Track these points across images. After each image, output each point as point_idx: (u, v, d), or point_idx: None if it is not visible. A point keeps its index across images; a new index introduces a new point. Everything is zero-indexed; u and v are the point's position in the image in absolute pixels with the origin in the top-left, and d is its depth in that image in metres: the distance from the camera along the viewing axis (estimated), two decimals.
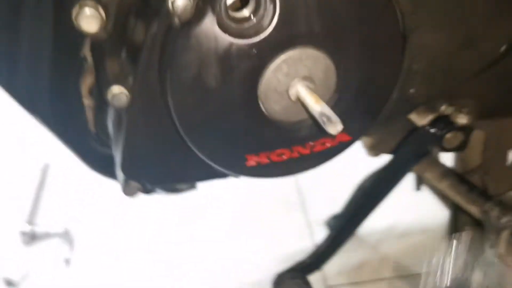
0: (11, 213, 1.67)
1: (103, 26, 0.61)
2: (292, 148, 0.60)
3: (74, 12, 0.60)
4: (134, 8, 0.63)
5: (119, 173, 0.65)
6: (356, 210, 0.75)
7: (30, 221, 1.61)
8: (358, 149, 0.63)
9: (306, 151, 0.60)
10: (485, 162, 0.82)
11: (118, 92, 0.57)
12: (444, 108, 0.71)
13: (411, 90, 0.62)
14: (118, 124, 0.63)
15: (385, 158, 0.94)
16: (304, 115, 0.58)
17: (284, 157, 0.60)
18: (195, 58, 0.52)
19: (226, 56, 0.52)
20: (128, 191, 0.65)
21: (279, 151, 0.60)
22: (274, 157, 0.60)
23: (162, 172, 0.64)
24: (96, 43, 0.67)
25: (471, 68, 0.64)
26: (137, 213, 1.64)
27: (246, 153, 0.59)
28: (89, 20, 0.60)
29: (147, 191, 0.69)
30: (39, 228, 1.59)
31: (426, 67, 0.61)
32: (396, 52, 0.58)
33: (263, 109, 0.56)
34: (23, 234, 1.57)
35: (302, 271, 0.66)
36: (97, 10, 0.60)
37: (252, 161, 0.60)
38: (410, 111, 0.69)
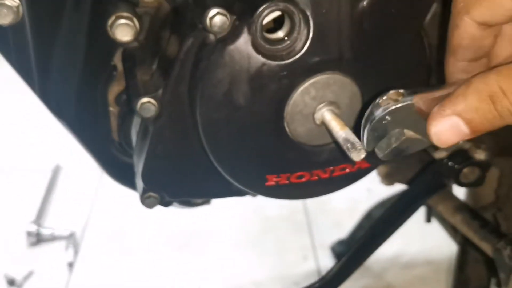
0: (19, 213, 1.68)
1: (136, 36, 0.63)
2: (312, 171, 0.61)
3: (110, 21, 0.62)
4: (169, 21, 0.65)
5: (139, 183, 0.66)
6: (366, 239, 0.75)
7: (37, 222, 1.62)
8: (368, 177, 0.64)
9: (325, 175, 0.61)
10: (498, 199, 0.82)
11: (146, 102, 0.58)
12: (462, 143, 0.72)
13: None
14: (143, 134, 0.64)
15: (396, 188, 0.95)
16: (327, 140, 0.59)
17: (303, 179, 0.60)
18: (227, 75, 0.53)
19: (257, 76, 0.53)
20: (147, 202, 0.66)
21: (299, 173, 0.60)
22: (294, 179, 0.61)
23: (182, 185, 0.65)
24: (128, 52, 0.69)
25: None
26: (143, 223, 1.65)
27: (267, 173, 0.60)
28: (124, 30, 0.62)
29: (165, 203, 0.70)
30: (45, 230, 1.60)
31: None
32: (423, 84, 0.59)
33: (288, 131, 0.57)
34: (29, 234, 1.58)
35: None
36: (132, 20, 0.62)
37: (272, 182, 0.60)
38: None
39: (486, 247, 0.70)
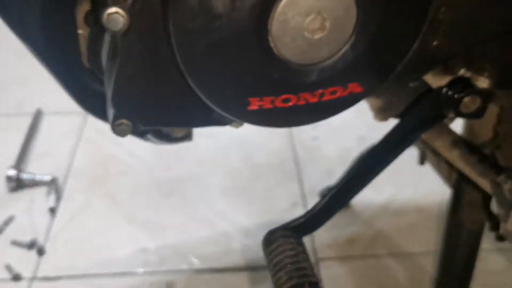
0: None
1: None
2: (299, 94, 0.55)
3: None
4: None
5: (110, 108, 0.60)
6: (355, 174, 0.70)
7: (18, 167, 1.57)
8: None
9: (314, 99, 0.56)
10: (497, 136, 0.78)
11: (114, 12, 0.51)
12: (463, 71, 0.66)
13: (434, 43, 0.57)
14: (112, 52, 0.57)
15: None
16: (316, 58, 0.53)
17: (290, 103, 0.55)
18: None
19: None
20: (118, 129, 0.60)
21: (285, 96, 0.55)
22: (279, 103, 0.55)
23: (157, 111, 0.59)
24: None
25: (497, 27, 0.59)
26: (128, 169, 1.61)
27: (249, 95, 0.54)
28: None
29: (138, 132, 0.64)
30: (26, 175, 1.55)
31: (453, 18, 0.56)
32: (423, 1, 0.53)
33: (273, 45, 0.51)
34: (9, 179, 1.53)
35: (295, 231, 0.62)
36: None
37: (254, 105, 0.55)
38: (427, 70, 0.64)
39: (484, 183, 0.65)
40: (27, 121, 1.77)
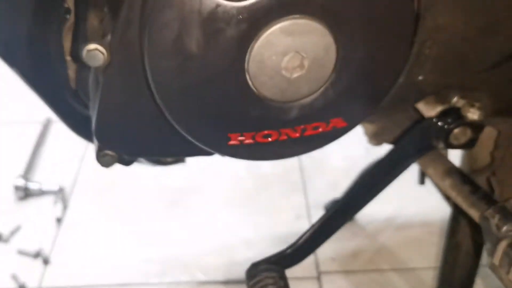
0: (7, 167, 1.65)
1: None
2: (281, 130, 0.54)
3: None
4: None
5: (94, 140, 0.60)
6: (349, 200, 0.69)
7: (25, 176, 1.59)
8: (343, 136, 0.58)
9: (295, 134, 0.55)
10: (494, 162, 0.76)
11: (93, 49, 0.51)
12: (455, 100, 0.65)
13: (420, 77, 0.56)
14: (95, 85, 0.58)
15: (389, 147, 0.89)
16: (296, 95, 0.52)
17: (271, 139, 0.54)
18: (176, 17, 0.46)
19: (211, 19, 0.46)
20: (102, 160, 0.60)
21: (266, 132, 0.54)
22: (260, 138, 0.54)
23: (138, 143, 0.59)
24: None
25: (489, 59, 0.58)
26: (134, 178, 1.61)
27: (229, 131, 0.54)
28: None
29: (124, 162, 0.64)
30: (33, 184, 1.57)
31: (439, 53, 0.55)
32: (407, 32, 0.52)
33: (251, 84, 0.50)
34: (17, 189, 1.55)
35: (281, 263, 0.61)
36: None
37: (235, 141, 0.54)
38: (418, 100, 0.63)
39: (475, 214, 0.64)
40: (36, 129, 1.79)
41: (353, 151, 1.69)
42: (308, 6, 0.47)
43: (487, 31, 0.55)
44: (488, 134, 0.78)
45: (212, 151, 0.57)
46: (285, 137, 0.55)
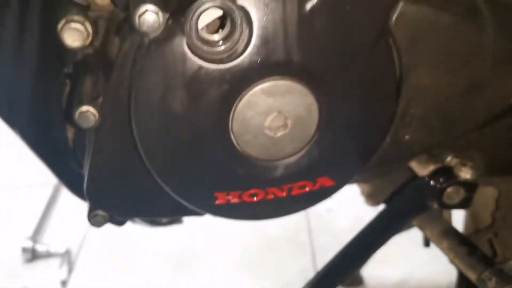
0: (17, 228, 1.66)
1: (89, 42, 0.58)
2: (267, 189, 0.54)
3: (60, 25, 0.57)
4: (118, 25, 0.60)
5: (86, 200, 0.61)
6: (336, 265, 0.68)
7: (34, 238, 1.59)
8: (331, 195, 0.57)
9: (282, 193, 0.55)
10: (495, 223, 0.74)
11: (85, 111, 0.53)
12: (448, 159, 0.64)
13: (407, 136, 0.56)
14: (88, 146, 0.59)
15: None
16: (280, 153, 0.52)
17: (256, 198, 0.54)
18: (161, 79, 0.48)
19: (195, 81, 0.47)
20: (93, 220, 0.61)
21: (252, 191, 0.54)
22: (246, 198, 0.54)
23: (128, 203, 0.59)
24: (82, 59, 0.65)
25: (475, 118, 0.58)
26: (140, 242, 1.60)
27: (215, 190, 0.54)
28: (74, 35, 0.57)
29: (116, 222, 0.64)
30: (40, 246, 1.57)
31: (424, 112, 0.55)
32: (390, 92, 0.53)
33: (235, 144, 0.51)
34: (24, 250, 1.55)
35: None
36: (83, 23, 0.57)
37: (222, 200, 0.54)
38: (407, 159, 0.63)
39: (472, 276, 0.62)
40: (47, 191, 1.81)
41: (362, 212, 1.67)
42: (289, 69, 0.48)
43: (472, 90, 0.55)
44: (489, 194, 0.77)
45: (200, 211, 0.57)
46: (271, 196, 0.55)
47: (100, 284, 1.49)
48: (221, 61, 0.47)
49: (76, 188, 0.73)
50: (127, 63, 0.51)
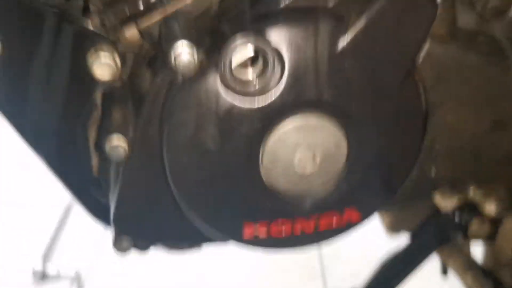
0: (28, 249, 1.66)
1: (118, 75, 0.59)
2: (294, 224, 0.55)
3: (89, 56, 0.59)
4: (147, 59, 0.62)
5: (112, 226, 0.62)
6: None
7: (44, 260, 1.59)
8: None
9: (310, 230, 0.55)
10: None
11: (116, 144, 0.54)
12: (472, 193, 0.65)
13: (432, 171, 0.57)
14: (115, 175, 0.60)
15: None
16: (310, 189, 0.53)
17: (284, 234, 0.55)
18: (194, 116, 0.49)
19: (227, 118, 0.48)
20: (120, 246, 0.62)
21: (280, 228, 0.55)
22: (274, 234, 0.55)
23: (155, 230, 0.60)
24: (109, 91, 0.66)
25: (501, 153, 0.58)
26: (150, 266, 1.60)
27: (243, 221, 0.55)
28: (103, 68, 0.59)
29: (141, 247, 0.65)
30: (51, 269, 1.57)
31: (450, 148, 0.56)
32: (417, 129, 0.53)
33: (264, 179, 0.52)
34: (35, 273, 1.55)
35: None
36: (113, 57, 0.59)
37: (250, 235, 0.55)
38: (432, 192, 0.63)
39: None
40: (58, 213, 1.82)
41: (373, 239, 1.67)
42: (319, 106, 0.49)
43: (497, 127, 0.56)
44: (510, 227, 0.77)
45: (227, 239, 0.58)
46: (298, 233, 0.55)
47: None
48: (252, 99, 0.48)
49: (98, 215, 0.74)
50: (158, 98, 0.52)
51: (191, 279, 1.57)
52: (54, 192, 1.98)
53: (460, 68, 0.53)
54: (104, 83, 0.65)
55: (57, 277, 1.57)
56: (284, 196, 0.53)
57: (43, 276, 1.57)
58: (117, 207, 0.58)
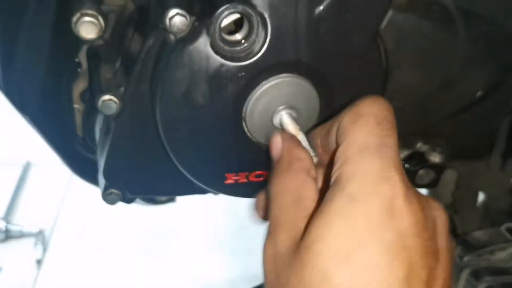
0: None
1: (101, 34, 0.64)
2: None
3: (74, 18, 0.63)
4: (133, 20, 0.66)
5: (101, 179, 0.67)
6: None
7: (6, 219, 1.61)
8: None
9: None
10: (455, 201, 0.85)
11: (108, 99, 0.59)
12: (419, 146, 0.74)
13: None
14: (105, 131, 0.65)
15: None
16: None
17: (262, 178, 0.62)
18: (186, 74, 0.54)
19: (216, 76, 0.54)
20: (108, 198, 0.67)
21: (258, 172, 0.62)
22: (253, 178, 0.62)
23: (144, 182, 0.66)
24: (93, 49, 0.70)
25: (447, 109, 0.68)
26: (113, 221, 1.65)
27: (226, 171, 0.61)
28: (88, 27, 0.63)
29: (126, 200, 0.71)
30: (14, 227, 1.59)
31: (405, 105, 0.64)
32: (378, 88, 0.61)
33: (247, 131, 0.59)
34: None
35: None
36: (97, 18, 0.63)
37: (231, 180, 0.62)
38: None
39: None
40: (16, 172, 1.82)
41: None
42: (296, 67, 0.56)
43: (445, 87, 0.65)
44: (450, 176, 0.88)
45: (211, 190, 0.64)
46: None
47: (74, 262, 1.53)
48: (239, 59, 0.54)
49: (82, 172, 0.79)
50: (150, 57, 0.57)
51: (154, 235, 1.63)
52: (12, 151, 1.97)
53: (417, 34, 0.61)
54: (88, 42, 0.69)
55: (21, 235, 1.60)
56: (262, 148, 0.60)
57: (6, 234, 1.59)
58: (107, 160, 0.63)
